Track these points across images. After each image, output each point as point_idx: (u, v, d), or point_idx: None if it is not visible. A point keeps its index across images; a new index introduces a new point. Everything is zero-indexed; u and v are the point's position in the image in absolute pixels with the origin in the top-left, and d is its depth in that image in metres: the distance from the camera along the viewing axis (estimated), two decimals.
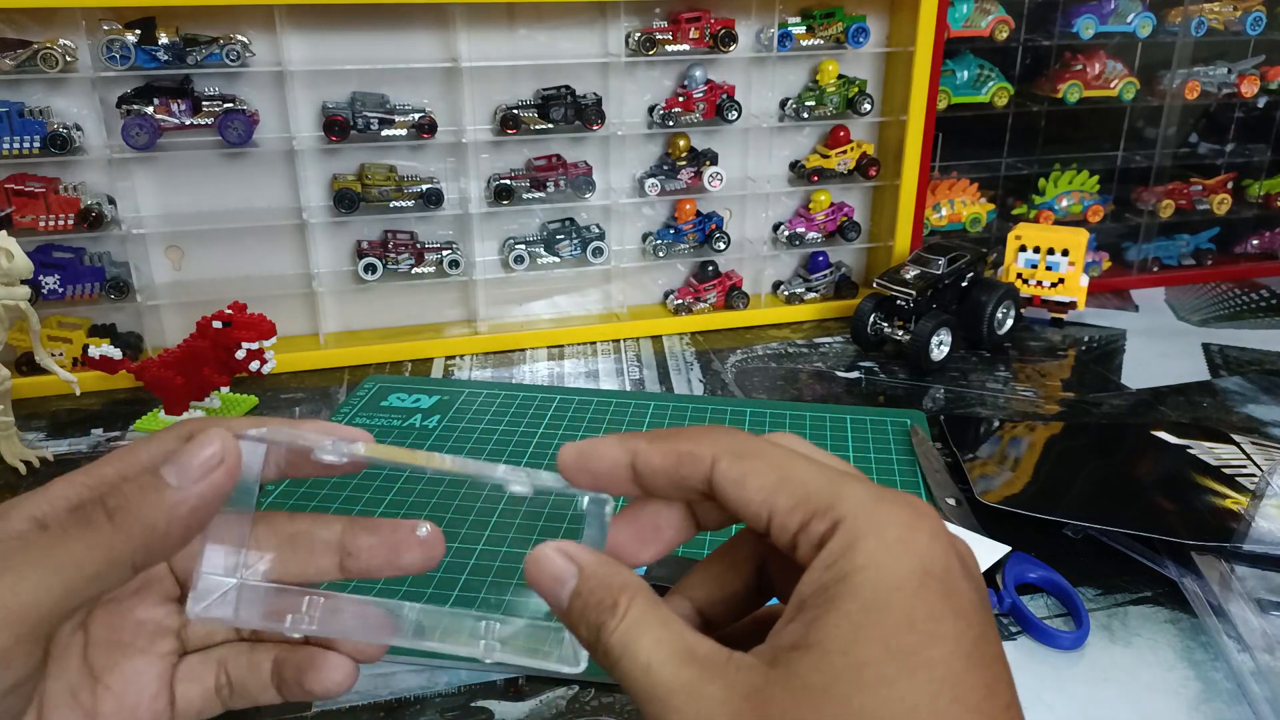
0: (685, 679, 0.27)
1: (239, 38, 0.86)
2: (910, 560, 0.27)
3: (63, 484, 0.30)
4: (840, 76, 1.03)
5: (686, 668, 0.27)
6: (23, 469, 0.74)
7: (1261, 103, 1.20)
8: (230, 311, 0.80)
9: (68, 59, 0.82)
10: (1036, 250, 1.04)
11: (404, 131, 0.93)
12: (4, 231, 0.70)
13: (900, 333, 0.96)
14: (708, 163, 1.02)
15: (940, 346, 0.93)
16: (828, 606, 0.27)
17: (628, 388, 0.90)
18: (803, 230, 1.08)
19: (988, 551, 0.59)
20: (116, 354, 0.80)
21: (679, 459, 0.31)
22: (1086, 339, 1.02)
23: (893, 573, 0.27)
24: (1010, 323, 0.99)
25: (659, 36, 0.96)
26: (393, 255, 0.96)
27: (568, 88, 0.97)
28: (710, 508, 0.32)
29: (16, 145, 0.83)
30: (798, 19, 1.00)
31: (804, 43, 1.01)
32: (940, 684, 0.25)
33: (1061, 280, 1.04)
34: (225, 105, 0.88)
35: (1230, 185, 1.22)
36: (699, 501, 0.32)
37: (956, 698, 0.25)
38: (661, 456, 0.31)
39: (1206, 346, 1.00)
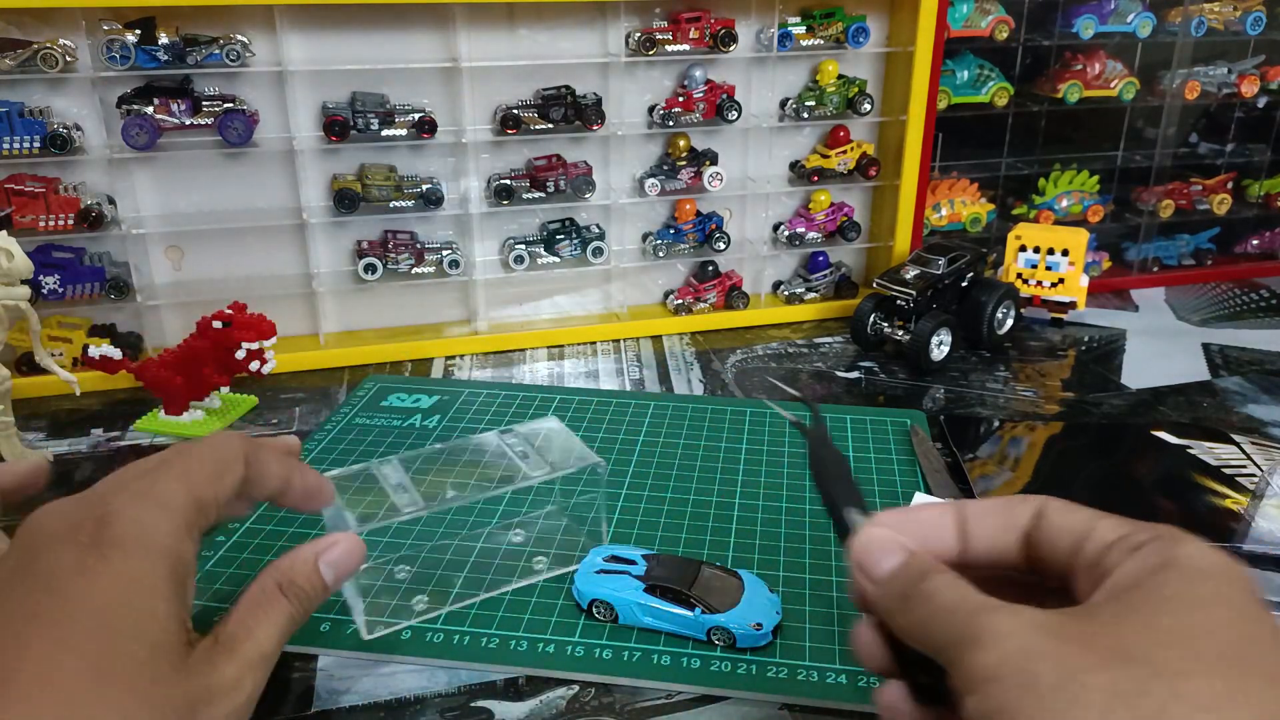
0: (997, 610, 0.31)
1: (239, 38, 0.86)
2: (1228, 566, 0.32)
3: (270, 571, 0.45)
4: (840, 76, 1.03)
5: (997, 609, 0.31)
6: None
7: (1261, 103, 1.20)
8: (230, 311, 0.80)
9: (68, 59, 0.83)
10: (1036, 250, 1.04)
11: (404, 131, 0.93)
12: (4, 231, 0.70)
13: (900, 333, 0.96)
14: (708, 163, 1.02)
15: (940, 346, 0.93)
16: (1154, 576, 0.31)
17: (628, 388, 0.90)
18: (803, 230, 1.08)
19: None
20: (116, 354, 0.80)
21: (1011, 501, 0.37)
22: (1086, 339, 1.02)
23: (1214, 564, 0.31)
24: (1010, 323, 0.99)
25: (659, 36, 0.96)
26: (393, 255, 0.96)
27: (568, 88, 0.97)
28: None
29: (16, 145, 0.83)
30: (798, 19, 1.00)
31: (804, 43, 1.01)
32: (1257, 656, 0.29)
33: (1061, 280, 1.04)
34: (225, 105, 0.88)
35: (1230, 185, 1.22)
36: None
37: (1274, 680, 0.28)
38: (993, 501, 0.38)
39: (1206, 346, 1.00)
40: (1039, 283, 1.05)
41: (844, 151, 1.06)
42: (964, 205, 1.15)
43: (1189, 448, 0.74)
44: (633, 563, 0.56)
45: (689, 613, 0.53)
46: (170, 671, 0.37)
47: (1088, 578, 0.33)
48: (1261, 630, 0.29)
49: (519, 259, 1.00)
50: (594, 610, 0.55)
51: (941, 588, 0.33)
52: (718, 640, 0.53)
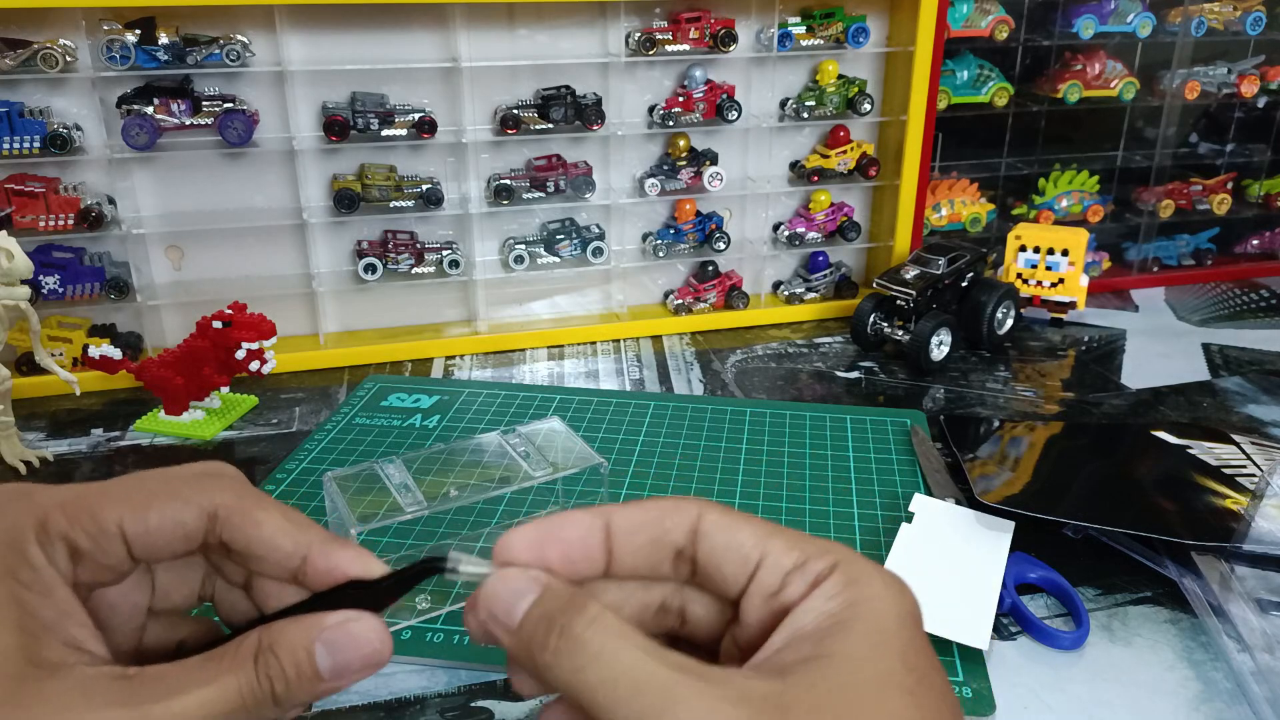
0: (683, 680, 0.26)
1: (239, 38, 0.86)
2: (905, 602, 0.30)
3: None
4: (840, 76, 1.03)
5: (680, 672, 0.27)
6: (23, 469, 0.74)
7: (1261, 103, 1.20)
8: (230, 311, 0.80)
9: (68, 59, 0.82)
10: (1036, 250, 1.04)
11: (404, 131, 0.93)
12: (4, 231, 0.70)
13: (900, 333, 0.96)
14: (708, 163, 1.02)
15: (940, 346, 0.93)
16: (843, 627, 0.28)
17: (628, 388, 0.90)
18: (803, 230, 1.08)
19: (997, 530, 0.60)
20: (116, 354, 0.80)
21: (662, 512, 0.31)
22: (1086, 339, 1.02)
23: (896, 607, 0.29)
24: (1010, 323, 0.99)
25: (659, 36, 0.96)
26: (393, 255, 0.96)
27: (568, 88, 0.97)
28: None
29: (16, 145, 0.83)
30: (798, 19, 1.00)
31: (804, 43, 1.01)
32: (941, 702, 0.28)
33: (1061, 280, 1.04)
34: (225, 105, 0.88)
35: (1230, 185, 1.22)
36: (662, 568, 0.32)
37: (953, 717, 0.29)
38: (642, 511, 0.31)
39: (1206, 346, 1.00)
40: (1039, 283, 1.05)
41: (844, 151, 1.06)
42: (964, 205, 1.15)
43: (1189, 448, 0.74)
44: None
45: None
46: None
47: (764, 606, 0.30)
48: (934, 682, 0.29)
49: (519, 259, 1.00)
50: None
51: (599, 638, 0.27)
52: None
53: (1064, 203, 1.18)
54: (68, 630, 0.30)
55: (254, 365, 0.80)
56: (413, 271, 0.97)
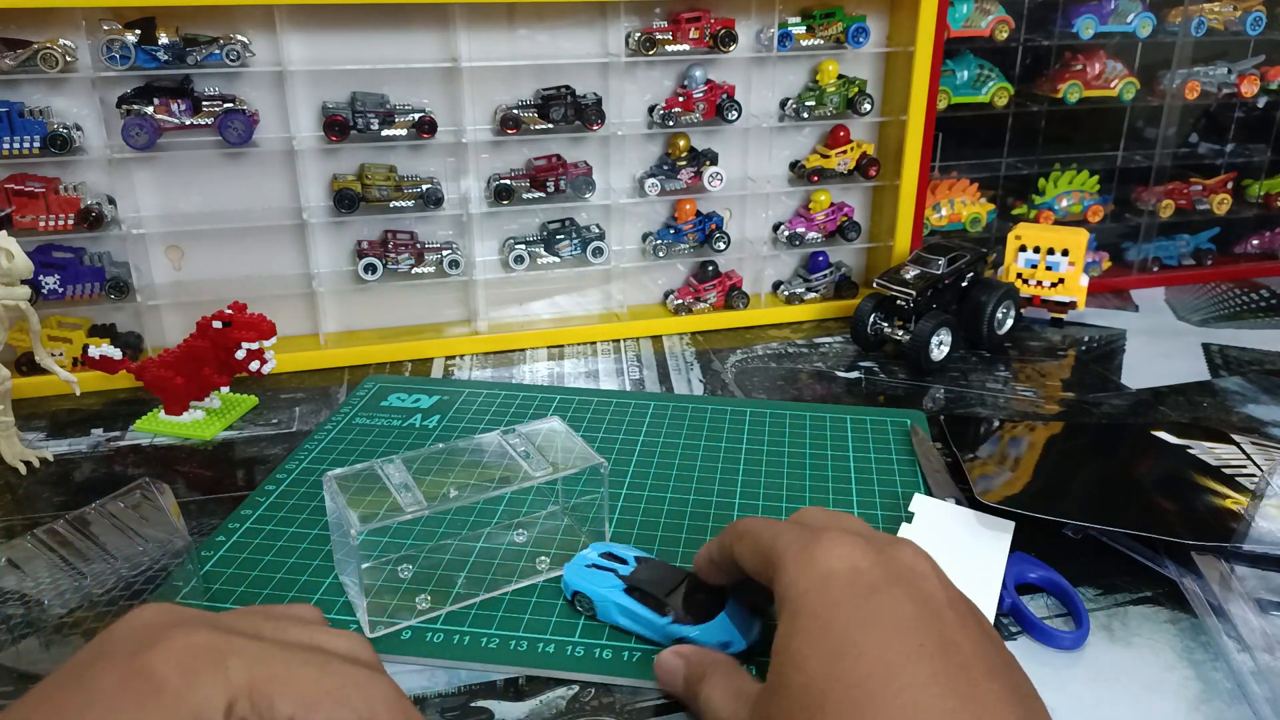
0: (733, 709, 0.43)
1: (239, 38, 0.86)
2: (814, 570, 0.40)
3: None
4: (840, 76, 1.03)
5: (735, 701, 0.43)
6: (23, 469, 0.74)
7: (1261, 103, 1.20)
8: (230, 311, 0.80)
9: (68, 59, 0.82)
10: (1036, 250, 1.04)
11: (404, 131, 0.93)
12: (4, 231, 0.70)
13: (900, 333, 0.96)
14: (708, 163, 1.02)
15: (940, 346, 0.93)
16: (779, 626, 0.40)
17: (628, 388, 0.90)
18: (803, 230, 1.08)
19: (996, 531, 0.60)
20: (116, 354, 0.80)
21: (720, 548, 0.50)
22: (1086, 339, 1.02)
23: (804, 582, 0.40)
24: (1010, 323, 0.99)
25: (659, 36, 0.96)
26: (393, 255, 0.96)
27: (568, 88, 0.97)
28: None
29: (16, 145, 0.83)
30: (798, 19, 1.00)
31: (804, 43, 1.01)
32: (837, 648, 0.36)
33: (1061, 280, 1.04)
34: (225, 105, 0.88)
35: (1230, 185, 1.22)
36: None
37: (855, 656, 0.36)
38: (718, 548, 0.50)
39: (1206, 346, 1.00)
40: (1039, 283, 1.05)
41: (844, 151, 1.06)
42: (964, 205, 1.15)
43: (1189, 448, 0.74)
44: (624, 562, 0.56)
45: (660, 619, 0.53)
46: None
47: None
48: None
49: (519, 259, 1.00)
50: (576, 603, 0.56)
51: (712, 693, 0.45)
52: None
53: (1064, 203, 1.18)
54: None
55: (254, 365, 0.81)
56: (413, 271, 0.97)
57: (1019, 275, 1.05)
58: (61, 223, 0.86)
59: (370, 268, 0.95)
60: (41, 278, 0.86)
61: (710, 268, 1.06)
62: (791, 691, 0.37)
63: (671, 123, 1.00)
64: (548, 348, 1.00)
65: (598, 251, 1.02)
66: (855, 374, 0.93)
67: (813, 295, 1.09)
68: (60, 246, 0.88)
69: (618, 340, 1.02)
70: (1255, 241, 1.26)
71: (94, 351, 0.80)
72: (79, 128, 0.86)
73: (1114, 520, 0.62)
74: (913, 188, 1.05)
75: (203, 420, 0.82)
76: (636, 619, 0.53)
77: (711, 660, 0.47)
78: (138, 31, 0.84)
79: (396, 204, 0.95)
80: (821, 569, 0.40)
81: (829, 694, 0.35)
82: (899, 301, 0.95)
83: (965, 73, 1.09)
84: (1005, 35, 1.09)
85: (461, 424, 0.81)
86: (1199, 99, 1.17)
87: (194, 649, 0.34)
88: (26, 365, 0.87)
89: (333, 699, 0.35)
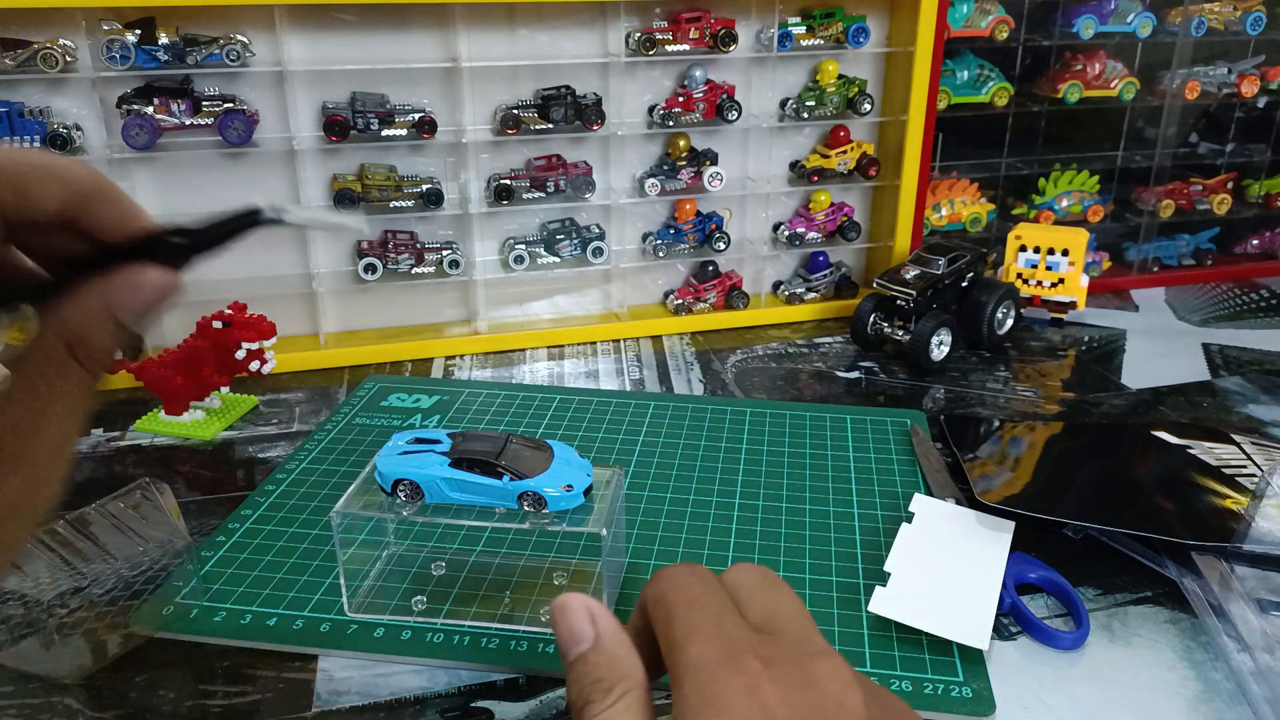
0: None
1: (239, 38, 0.86)
2: (709, 714, 0.31)
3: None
4: (840, 76, 1.03)
5: None
6: None
7: (1261, 103, 1.20)
8: (230, 311, 0.80)
9: (68, 59, 0.82)
10: (1036, 250, 1.04)
11: (404, 131, 0.93)
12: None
13: (900, 333, 0.96)
14: (708, 163, 1.02)
15: (940, 346, 0.93)
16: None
17: (628, 388, 0.90)
18: (803, 230, 1.08)
19: (997, 530, 0.60)
20: (116, 354, 0.80)
21: (640, 609, 0.36)
22: (1086, 339, 1.02)
23: None
24: (1010, 323, 0.99)
25: (659, 36, 0.96)
26: (393, 255, 0.96)
27: (568, 88, 0.97)
28: None
29: (16, 145, 0.83)
30: (798, 19, 1.00)
31: (804, 43, 1.01)
32: None
33: (1061, 280, 1.04)
34: (225, 105, 0.88)
35: (1230, 185, 1.22)
36: None
37: None
38: (639, 614, 0.36)
39: (1206, 346, 1.00)
40: (1039, 283, 1.05)
41: (844, 151, 1.06)
42: (964, 205, 1.15)
43: (1189, 448, 0.74)
44: (437, 442, 0.55)
45: (497, 481, 0.52)
46: None
47: None
48: None
49: (519, 259, 1.00)
50: (398, 491, 0.53)
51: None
52: (528, 507, 0.53)
53: (1064, 203, 1.18)
54: None
55: (254, 365, 0.80)
56: (413, 271, 0.97)
57: (1019, 275, 1.05)
58: None
59: (370, 268, 0.95)
60: None
61: (710, 268, 1.06)
62: None
63: (671, 123, 1.00)
64: (548, 348, 1.00)
65: (598, 251, 1.02)
66: (855, 374, 0.93)
67: (813, 295, 1.09)
68: None
69: (618, 340, 1.02)
70: (1255, 241, 1.26)
71: None
72: (79, 128, 0.86)
73: (1114, 520, 0.62)
74: (913, 188, 1.05)
75: (203, 420, 0.82)
76: (471, 489, 0.53)
77: (624, 673, 0.33)
78: (138, 31, 0.84)
79: (396, 204, 0.95)
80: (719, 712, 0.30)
81: None
82: (899, 301, 0.95)
83: (965, 73, 1.09)
84: (1005, 35, 1.09)
85: (461, 424, 0.81)
86: (1199, 99, 1.17)
87: None
88: None
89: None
